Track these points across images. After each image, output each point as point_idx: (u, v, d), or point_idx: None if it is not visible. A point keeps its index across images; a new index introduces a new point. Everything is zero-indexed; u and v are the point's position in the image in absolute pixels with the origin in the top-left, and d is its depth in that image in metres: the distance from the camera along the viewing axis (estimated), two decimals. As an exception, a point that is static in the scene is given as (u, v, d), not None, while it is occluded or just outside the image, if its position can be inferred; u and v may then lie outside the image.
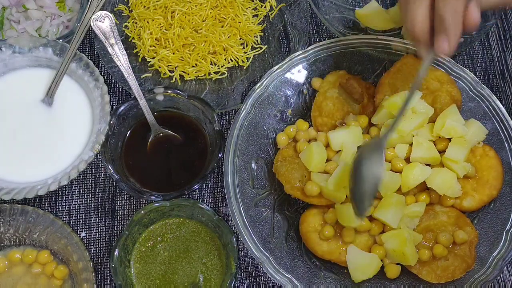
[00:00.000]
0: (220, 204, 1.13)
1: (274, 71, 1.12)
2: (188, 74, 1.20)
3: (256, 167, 1.09)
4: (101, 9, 1.21)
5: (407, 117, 1.05)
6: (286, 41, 1.23)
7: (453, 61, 1.11)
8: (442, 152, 1.05)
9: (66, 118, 1.09)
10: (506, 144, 1.07)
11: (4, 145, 1.07)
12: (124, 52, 1.08)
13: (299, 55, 1.13)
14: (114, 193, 1.13)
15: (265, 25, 1.25)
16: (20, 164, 1.05)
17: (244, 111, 1.10)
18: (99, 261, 1.08)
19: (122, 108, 1.08)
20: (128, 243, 1.03)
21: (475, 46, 1.25)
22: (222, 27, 1.22)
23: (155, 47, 1.20)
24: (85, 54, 1.12)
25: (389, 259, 1.01)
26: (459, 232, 1.01)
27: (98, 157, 1.14)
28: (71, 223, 1.11)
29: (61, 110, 1.09)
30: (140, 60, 1.21)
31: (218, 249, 1.05)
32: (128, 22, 1.23)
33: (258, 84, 1.11)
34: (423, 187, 1.04)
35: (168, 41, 1.20)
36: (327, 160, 1.06)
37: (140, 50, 1.21)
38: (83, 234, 1.10)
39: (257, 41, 1.23)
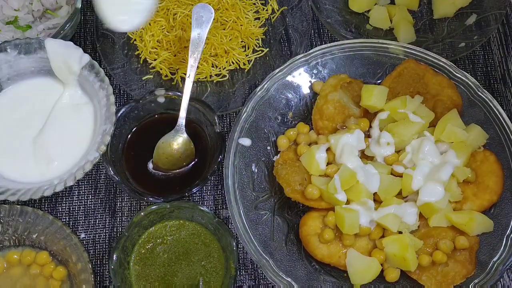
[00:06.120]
0: (220, 206, 1.13)
1: (275, 74, 1.12)
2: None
3: (256, 170, 1.09)
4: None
5: (408, 121, 1.05)
6: (288, 44, 1.23)
7: (454, 65, 1.11)
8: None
9: (70, 119, 1.09)
10: (506, 149, 1.06)
11: (9, 147, 1.07)
12: None
13: (300, 58, 1.13)
14: (114, 195, 1.13)
15: (266, 28, 1.25)
16: (25, 165, 1.05)
17: (245, 114, 1.09)
18: (98, 263, 1.08)
19: (123, 110, 1.07)
20: (127, 244, 1.03)
21: (476, 51, 1.25)
22: (224, 29, 1.22)
23: (156, 49, 1.21)
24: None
25: (389, 263, 1.01)
26: (460, 237, 1.00)
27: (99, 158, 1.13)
28: (71, 224, 1.10)
29: (64, 111, 1.09)
30: (141, 62, 1.21)
31: (217, 252, 1.04)
32: (130, 24, 1.24)
33: (259, 87, 1.11)
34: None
35: (170, 43, 1.20)
36: (328, 164, 1.06)
37: (141, 52, 1.21)
38: (82, 235, 1.10)
39: (258, 44, 1.24)
